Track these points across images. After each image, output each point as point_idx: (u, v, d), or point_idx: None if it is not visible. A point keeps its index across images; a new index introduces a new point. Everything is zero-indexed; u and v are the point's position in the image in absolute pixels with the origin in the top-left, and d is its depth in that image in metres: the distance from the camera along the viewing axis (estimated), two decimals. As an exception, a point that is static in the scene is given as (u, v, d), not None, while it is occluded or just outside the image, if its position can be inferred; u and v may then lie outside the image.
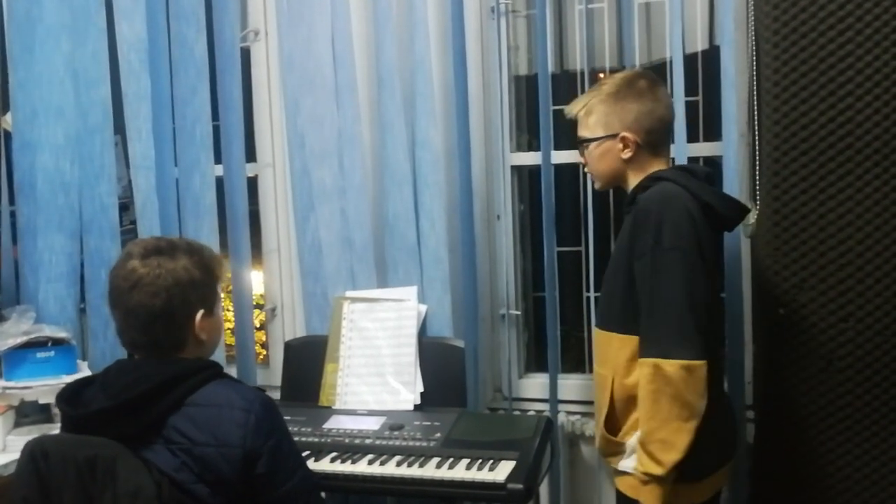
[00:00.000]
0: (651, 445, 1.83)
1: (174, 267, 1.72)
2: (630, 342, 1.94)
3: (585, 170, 2.15)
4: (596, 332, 2.10)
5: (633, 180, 2.03)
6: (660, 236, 1.84)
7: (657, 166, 2.02)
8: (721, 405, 1.98)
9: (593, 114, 2.04)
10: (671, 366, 1.80)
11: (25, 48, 2.73)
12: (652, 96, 2.01)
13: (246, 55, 2.94)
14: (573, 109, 2.10)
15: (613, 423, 1.99)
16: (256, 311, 3.01)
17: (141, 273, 1.70)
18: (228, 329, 2.99)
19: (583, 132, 2.08)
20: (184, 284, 1.72)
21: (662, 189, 1.91)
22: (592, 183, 2.15)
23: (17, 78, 2.74)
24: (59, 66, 2.74)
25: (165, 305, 1.70)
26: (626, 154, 2.01)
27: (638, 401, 1.88)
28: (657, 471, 1.82)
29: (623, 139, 2.00)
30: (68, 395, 1.74)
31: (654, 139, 2.01)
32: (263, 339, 3.17)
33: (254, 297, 2.95)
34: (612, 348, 1.99)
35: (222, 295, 2.81)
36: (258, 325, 3.09)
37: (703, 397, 1.82)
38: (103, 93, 2.75)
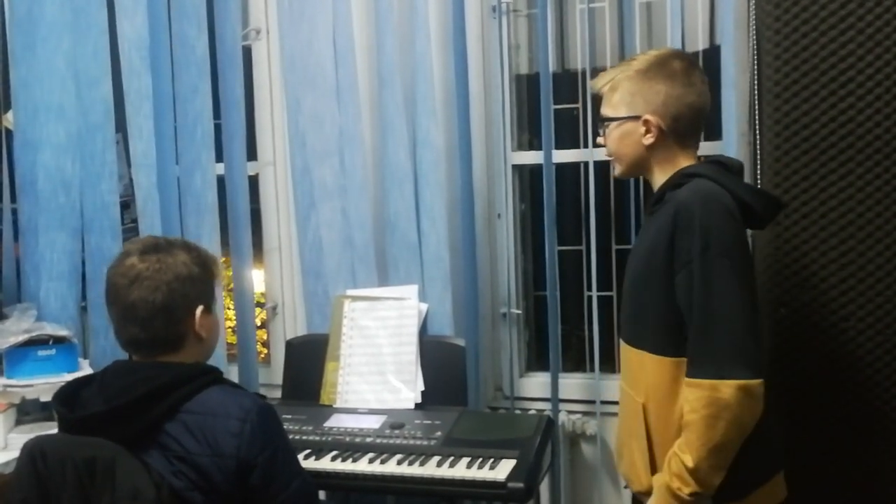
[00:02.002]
0: (702, 472, 1.66)
1: (174, 262, 1.72)
2: (670, 366, 1.74)
3: (606, 155, 1.94)
4: (624, 347, 1.88)
5: (659, 174, 1.84)
6: (708, 242, 1.65)
7: (685, 160, 1.82)
8: (764, 421, 1.75)
9: (618, 91, 1.84)
10: (728, 387, 1.61)
11: (27, 46, 2.73)
12: (685, 80, 1.80)
13: (247, 54, 2.94)
14: (598, 83, 1.89)
15: (653, 459, 1.79)
16: (257, 310, 3.01)
17: (140, 268, 1.69)
18: (229, 328, 2.99)
19: (605, 109, 1.88)
20: (183, 279, 1.72)
21: (701, 187, 1.71)
22: (613, 168, 1.94)
23: (18, 76, 2.74)
24: (60, 65, 2.73)
25: (166, 300, 1.69)
26: (648, 140, 1.81)
27: (685, 423, 1.68)
28: (705, 492, 1.68)
29: (646, 122, 1.80)
30: (65, 396, 1.73)
31: (682, 127, 1.81)
32: (265, 337, 3.17)
33: (255, 296, 2.96)
34: (645, 371, 1.79)
35: (223, 293, 2.81)
36: (259, 324, 3.09)
37: (757, 418, 1.66)
38: (104, 91, 2.75)
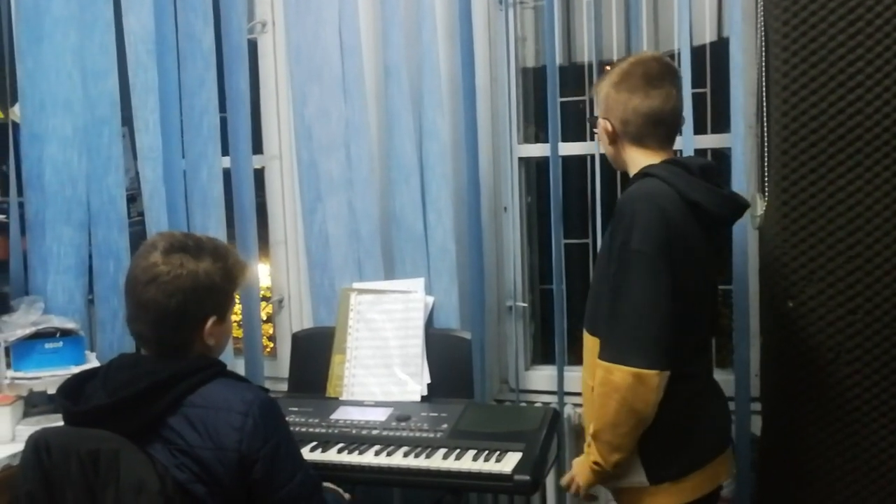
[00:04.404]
0: (599, 443, 1.84)
1: (195, 269, 1.69)
2: None
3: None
4: (585, 335, 1.99)
5: (631, 170, 1.96)
6: (629, 237, 1.77)
7: (649, 159, 1.92)
8: (697, 410, 1.91)
9: (599, 94, 2.00)
10: (621, 372, 1.75)
11: (33, 40, 2.73)
12: (639, 88, 1.91)
13: (253, 47, 2.94)
14: (595, 86, 2.05)
15: None
16: (263, 304, 3.01)
17: (161, 270, 1.67)
18: (235, 322, 3.00)
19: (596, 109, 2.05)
20: (201, 289, 1.70)
21: (644, 186, 1.84)
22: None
23: (25, 70, 2.74)
24: (66, 58, 2.74)
25: (179, 307, 1.68)
26: (606, 139, 1.98)
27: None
28: (604, 466, 1.85)
29: (603, 124, 1.97)
30: (69, 390, 1.73)
31: (632, 131, 1.92)
32: (271, 331, 3.18)
33: (261, 290, 2.96)
34: (596, 356, 1.89)
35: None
36: (265, 318, 3.09)
37: (653, 406, 1.77)
38: (111, 84, 2.75)
